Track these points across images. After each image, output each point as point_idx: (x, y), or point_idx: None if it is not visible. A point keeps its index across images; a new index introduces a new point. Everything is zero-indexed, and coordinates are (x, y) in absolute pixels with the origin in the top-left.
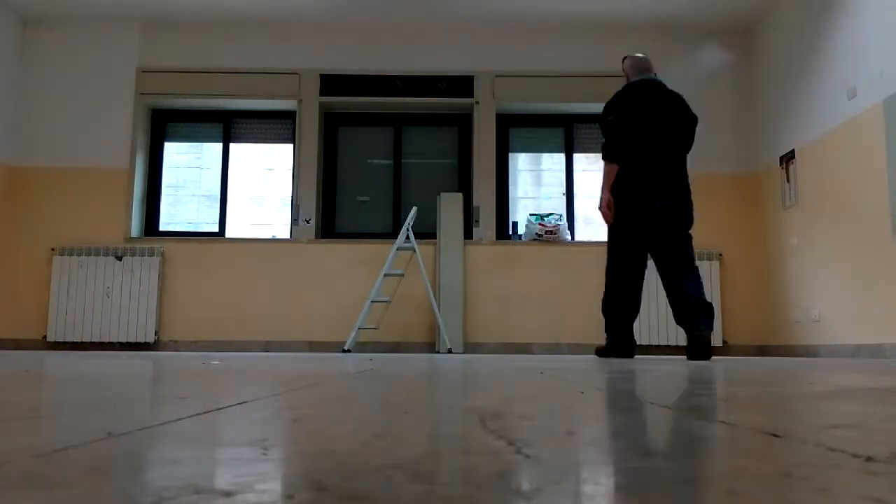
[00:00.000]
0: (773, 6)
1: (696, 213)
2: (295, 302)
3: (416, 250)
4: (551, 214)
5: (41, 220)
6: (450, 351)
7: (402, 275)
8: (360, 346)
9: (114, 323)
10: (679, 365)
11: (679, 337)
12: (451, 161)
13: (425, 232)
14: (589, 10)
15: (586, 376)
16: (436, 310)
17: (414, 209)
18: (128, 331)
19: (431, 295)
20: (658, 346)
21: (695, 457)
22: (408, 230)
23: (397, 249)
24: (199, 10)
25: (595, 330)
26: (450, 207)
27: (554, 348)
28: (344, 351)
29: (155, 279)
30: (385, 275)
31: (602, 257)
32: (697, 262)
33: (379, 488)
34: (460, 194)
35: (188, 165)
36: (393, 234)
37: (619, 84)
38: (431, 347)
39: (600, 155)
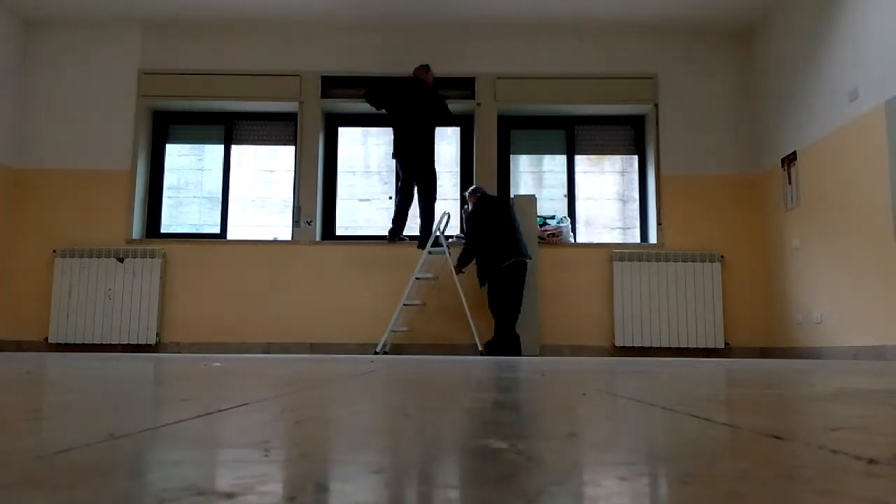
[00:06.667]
0: (775, 7)
1: (698, 215)
2: (296, 304)
3: (448, 254)
4: (555, 217)
5: (43, 222)
6: (384, 352)
7: (435, 278)
8: (395, 349)
9: (115, 325)
10: (680, 367)
11: (681, 339)
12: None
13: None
14: (590, 11)
15: (588, 378)
16: (467, 312)
17: (445, 212)
18: (129, 332)
19: (463, 299)
20: (659, 349)
21: (696, 459)
22: (438, 234)
23: (428, 253)
24: (200, 12)
25: (597, 331)
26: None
27: (556, 350)
28: (375, 353)
29: (156, 281)
30: (416, 278)
31: (600, 259)
32: (700, 264)
33: (381, 490)
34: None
35: (189, 167)
36: None
37: (619, 85)
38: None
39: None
